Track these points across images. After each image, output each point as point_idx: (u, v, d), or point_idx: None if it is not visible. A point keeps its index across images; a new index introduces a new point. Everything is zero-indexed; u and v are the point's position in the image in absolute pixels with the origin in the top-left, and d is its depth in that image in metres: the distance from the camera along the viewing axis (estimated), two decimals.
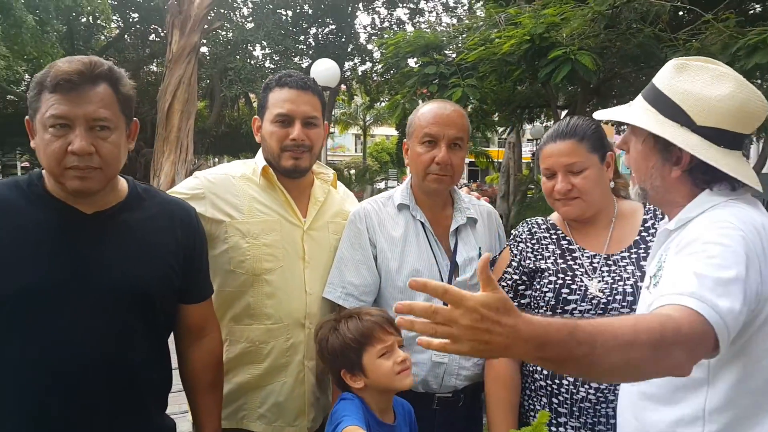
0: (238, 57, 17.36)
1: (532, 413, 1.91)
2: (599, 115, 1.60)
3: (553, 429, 1.83)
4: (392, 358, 1.70)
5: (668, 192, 1.46)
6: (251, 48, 18.43)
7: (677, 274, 1.24)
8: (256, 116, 2.17)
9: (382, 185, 26.03)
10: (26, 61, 13.78)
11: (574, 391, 1.80)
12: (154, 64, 19.64)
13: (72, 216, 1.55)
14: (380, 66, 10.83)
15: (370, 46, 19.67)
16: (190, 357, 1.84)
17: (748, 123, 1.38)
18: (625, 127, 1.58)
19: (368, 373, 1.72)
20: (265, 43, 17.47)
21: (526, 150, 17.86)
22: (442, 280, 2.06)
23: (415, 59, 7.12)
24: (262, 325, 2.04)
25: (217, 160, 25.47)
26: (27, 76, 16.87)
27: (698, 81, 1.38)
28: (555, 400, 1.84)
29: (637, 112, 1.47)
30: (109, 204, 1.61)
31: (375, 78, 19.16)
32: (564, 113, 8.11)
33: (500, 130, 11.26)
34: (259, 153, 2.18)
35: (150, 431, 1.69)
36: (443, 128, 2.04)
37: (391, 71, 8.11)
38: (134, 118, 1.63)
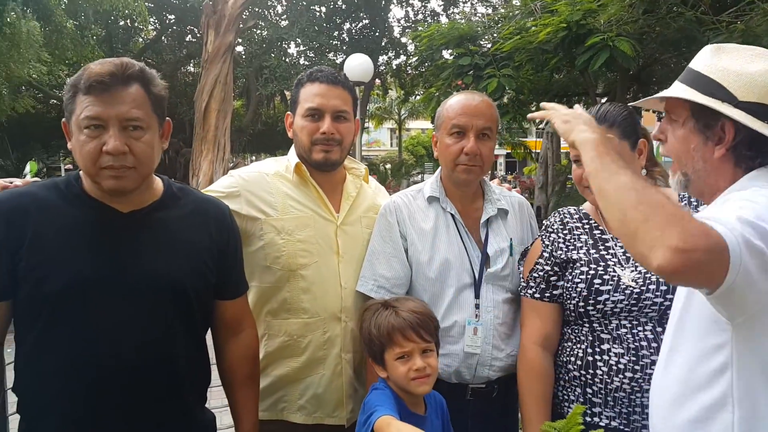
0: (273, 55, 17.51)
1: (566, 404, 1.91)
2: (637, 103, 1.61)
3: (588, 419, 1.81)
4: (408, 365, 1.69)
5: (710, 175, 1.42)
6: (286, 45, 18.57)
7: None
8: (288, 112, 2.20)
9: (418, 179, 25.95)
10: (67, 65, 14.15)
11: (609, 381, 1.78)
12: (191, 64, 19.95)
13: (109, 215, 1.58)
14: (414, 59, 10.80)
15: (404, 40, 19.61)
16: (227, 351, 1.87)
17: None
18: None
19: (387, 369, 1.74)
20: (299, 40, 17.58)
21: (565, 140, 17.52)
22: (473, 272, 2.06)
23: (450, 51, 7.08)
24: (299, 320, 2.07)
25: (254, 158, 25.78)
26: (68, 80, 17.34)
27: (736, 59, 1.38)
28: (589, 390, 1.83)
29: (675, 91, 1.45)
30: (145, 203, 1.64)
31: (409, 71, 19.08)
32: (603, 101, 7.95)
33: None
34: (292, 150, 2.21)
35: (190, 424, 1.73)
36: (471, 119, 2.04)
37: (426, 64, 8.08)
38: (167, 118, 1.66)
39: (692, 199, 1.88)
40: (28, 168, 15.22)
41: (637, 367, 1.74)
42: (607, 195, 1.27)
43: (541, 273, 1.95)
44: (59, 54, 12.68)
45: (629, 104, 1.68)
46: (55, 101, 17.66)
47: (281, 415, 2.10)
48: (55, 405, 1.53)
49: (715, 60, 1.40)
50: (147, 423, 1.59)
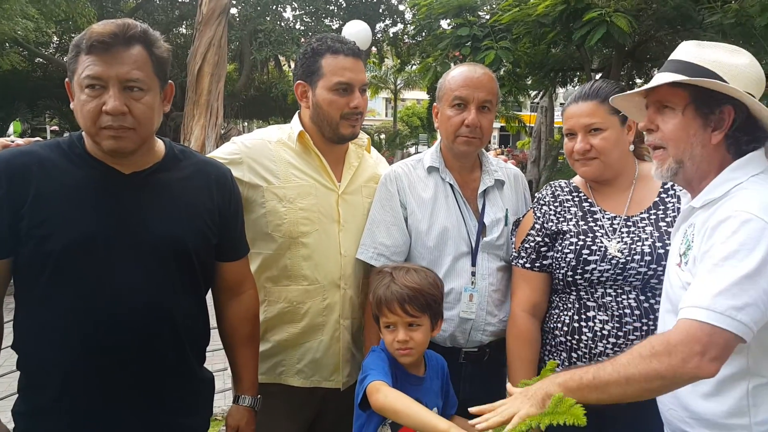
0: (268, 19, 17.22)
1: None
2: (620, 96, 1.67)
3: None
4: (393, 335, 1.75)
5: (704, 161, 1.49)
6: (281, 9, 18.26)
7: (696, 284, 1.34)
8: (300, 81, 2.17)
9: (412, 150, 25.84)
10: (55, 23, 13.82)
11: (593, 346, 1.87)
12: (184, 26, 19.56)
13: (111, 176, 1.60)
14: (412, 28, 10.68)
15: (401, 7, 19.29)
16: (228, 312, 1.92)
17: (761, 91, 1.48)
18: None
19: (382, 333, 1.80)
20: (295, 4, 17.30)
21: (559, 114, 17.51)
22: (470, 241, 2.12)
23: (448, 21, 7.02)
24: (299, 286, 2.11)
25: (246, 124, 25.51)
26: (56, 38, 16.90)
27: (720, 52, 1.47)
28: (574, 355, 1.92)
29: (674, 76, 1.49)
30: (146, 164, 1.66)
31: (406, 40, 18.86)
32: (598, 76, 7.94)
33: (533, 93, 11.08)
34: (295, 118, 2.22)
35: (190, 381, 1.78)
36: (473, 91, 2.06)
37: (423, 33, 8.00)
38: (169, 81, 1.66)
39: (676, 188, 1.94)
40: (12, 128, 14.92)
41: (620, 333, 1.82)
42: (619, 397, 1.36)
43: (532, 244, 2.02)
44: (47, 11, 12.40)
45: (614, 96, 1.72)
46: (41, 60, 17.28)
47: (279, 379, 2.15)
48: (57, 361, 1.57)
49: (701, 52, 1.47)
50: (147, 379, 1.64)
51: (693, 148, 1.48)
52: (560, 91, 13.60)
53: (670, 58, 1.54)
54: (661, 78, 1.50)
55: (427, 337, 1.78)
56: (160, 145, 1.73)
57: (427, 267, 2.03)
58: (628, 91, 1.63)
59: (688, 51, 1.51)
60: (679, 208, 1.88)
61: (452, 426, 1.45)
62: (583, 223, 1.96)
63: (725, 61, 1.44)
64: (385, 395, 1.57)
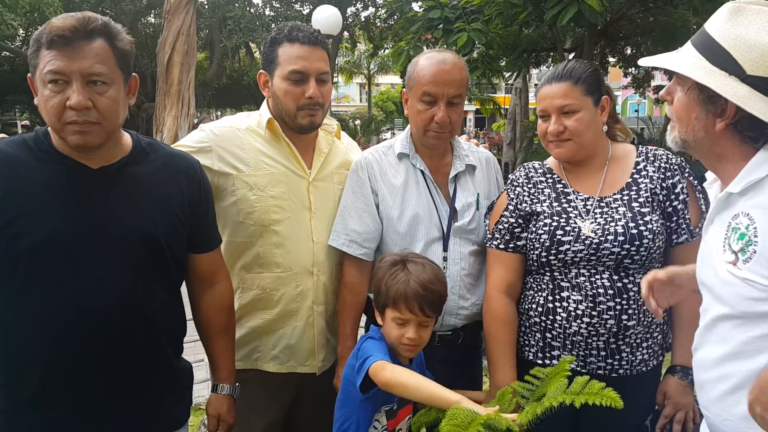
0: (237, 5, 16.99)
1: (527, 348, 2.01)
2: (644, 62, 1.53)
3: (547, 362, 1.93)
4: (402, 331, 1.75)
5: (714, 145, 1.38)
6: None
7: None
8: (262, 71, 2.15)
9: (388, 135, 25.80)
10: (20, 15, 13.50)
11: (567, 325, 1.88)
12: (152, 15, 19.22)
13: (79, 171, 1.58)
14: (383, 11, 10.63)
15: None
16: (202, 303, 1.92)
17: None
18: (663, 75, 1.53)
19: (384, 322, 1.81)
20: None
21: (533, 95, 17.59)
22: (442, 226, 2.12)
23: (420, 3, 6.99)
24: (272, 274, 2.11)
25: (219, 113, 25.23)
26: (21, 30, 16.52)
27: (753, 26, 1.28)
28: (548, 335, 1.94)
29: (683, 59, 1.37)
30: (114, 159, 1.64)
31: (378, 24, 18.75)
32: (571, 56, 7.99)
33: (507, 75, 11.12)
34: (264, 105, 2.20)
35: (168, 373, 1.78)
36: (443, 87, 2.04)
37: (395, 16, 7.97)
38: (133, 74, 1.65)
39: (650, 154, 1.96)
40: None
41: (594, 313, 1.85)
42: None
43: (506, 225, 2.03)
44: (11, 3, 12.11)
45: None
46: (7, 53, 16.88)
47: (255, 365, 2.16)
48: (34, 360, 1.55)
49: (730, 25, 1.30)
50: (125, 373, 1.63)
51: (696, 132, 1.37)
52: (534, 72, 13.67)
53: (704, 25, 1.37)
54: (674, 60, 1.39)
55: (429, 334, 1.80)
56: (127, 138, 1.71)
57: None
58: (657, 58, 1.47)
59: (717, 20, 1.33)
60: (651, 189, 1.90)
61: (462, 398, 1.48)
62: (556, 204, 1.97)
63: (750, 39, 1.26)
64: (392, 371, 1.60)
